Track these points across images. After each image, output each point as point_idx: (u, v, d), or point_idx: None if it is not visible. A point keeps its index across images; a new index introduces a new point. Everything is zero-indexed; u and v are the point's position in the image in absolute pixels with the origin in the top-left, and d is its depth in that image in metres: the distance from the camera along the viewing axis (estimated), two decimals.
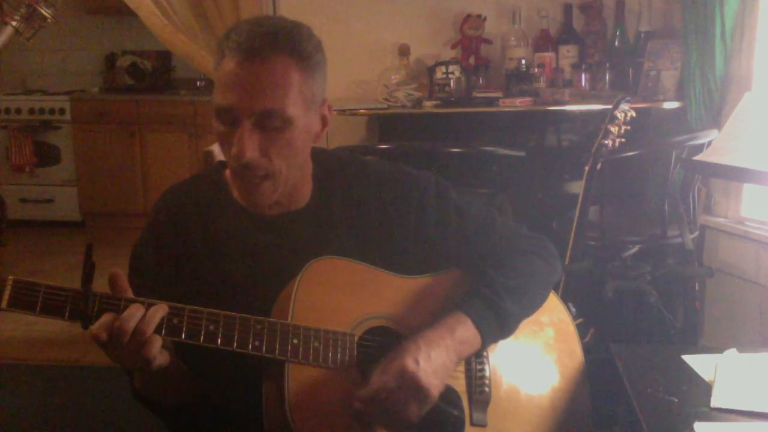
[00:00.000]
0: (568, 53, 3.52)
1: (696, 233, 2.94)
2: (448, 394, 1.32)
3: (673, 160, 2.70)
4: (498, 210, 1.66)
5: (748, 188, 2.98)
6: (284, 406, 1.21)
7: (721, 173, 2.38)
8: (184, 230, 1.39)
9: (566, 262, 2.52)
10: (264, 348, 1.23)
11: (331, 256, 1.34)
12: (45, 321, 1.19)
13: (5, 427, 2.94)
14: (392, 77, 3.52)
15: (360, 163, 1.50)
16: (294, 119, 1.28)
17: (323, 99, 1.36)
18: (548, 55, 3.52)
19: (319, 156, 1.44)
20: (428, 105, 3.33)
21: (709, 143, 2.55)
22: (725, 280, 3.00)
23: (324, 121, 1.38)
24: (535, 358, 1.43)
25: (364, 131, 3.69)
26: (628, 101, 2.58)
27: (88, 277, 1.16)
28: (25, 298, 1.15)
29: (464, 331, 1.30)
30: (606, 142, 2.53)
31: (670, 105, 3.24)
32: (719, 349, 1.46)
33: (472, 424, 1.32)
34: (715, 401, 1.31)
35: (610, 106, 2.58)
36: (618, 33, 3.51)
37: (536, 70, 3.43)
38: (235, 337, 1.22)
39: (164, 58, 5.68)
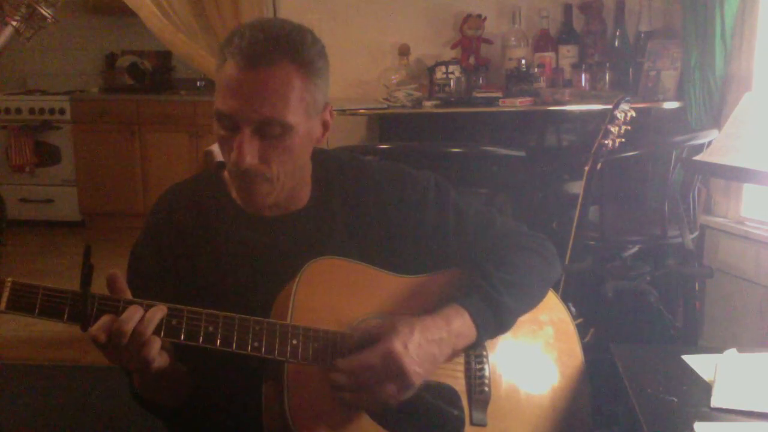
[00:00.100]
0: (568, 53, 3.52)
1: (696, 233, 2.94)
2: (448, 394, 1.32)
3: (673, 160, 2.70)
4: (498, 210, 1.66)
5: (748, 188, 2.98)
6: (284, 407, 1.21)
7: (721, 173, 2.39)
8: (183, 231, 1.39)
9: (566, 262, 2.51)
10: (263, 349, 1.23)
11: (330, 256, 1.34)
12: (45, 321, 1.18)
13: (5, 427, 2.94)
14: (392, 77, 3.52)
15: (359, 163, 1.50)
16: (294, 126, 1.28)
17: (325, 104, 1.36)
18: (548, 55, 3.52)
19: (318, 156, 1.44)
20: (428, 105, 3.33)
21: (709, 143, 2.55)
22: (725, 280, 3.00)
23: (325, 126, 1.37)
24: (534, 357, 1.43)
25: (364, 131, 3.69)
26: (628, 101, 2.57)
27: (86, 279, 1.16)
28: (23, 300, 1.15)
29: (460, 324, 1.30)
30: (606, 142, 2.53)
31: (670, 105, 3.24)
32: (719, 349, 1.46)
33: (472, 423, 1.32)
34: (715, 401, 1.31)
35: (610, 106, 2.58)
36: (618, 33, 3.51)
37: (536, 70, 3.43)
38: (234, 338, 1.22)
39: (164, 58, 5.68)
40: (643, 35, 3.46)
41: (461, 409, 1.32)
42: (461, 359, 1.36)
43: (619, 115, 2.53)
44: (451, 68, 3.44)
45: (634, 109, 2.58)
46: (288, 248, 1.38)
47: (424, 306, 1.36)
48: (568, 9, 3.56)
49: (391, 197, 1.45)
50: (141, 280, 1.35)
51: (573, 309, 2.20)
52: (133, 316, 1.16)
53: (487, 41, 3.59)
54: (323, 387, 1.24)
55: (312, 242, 1.39)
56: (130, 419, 2.78)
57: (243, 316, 1.23)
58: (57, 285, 1.17)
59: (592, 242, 2.71)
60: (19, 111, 5.45)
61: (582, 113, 3.36)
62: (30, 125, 5.43)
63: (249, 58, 1.23)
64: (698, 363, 1.44)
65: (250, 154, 1.26)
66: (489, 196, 2.79)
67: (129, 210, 5.42)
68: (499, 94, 3.30)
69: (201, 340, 1.21)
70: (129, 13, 3.76)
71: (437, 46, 3.67)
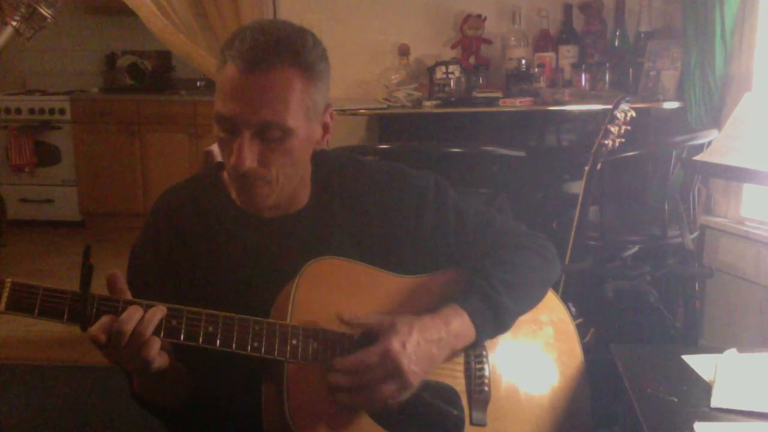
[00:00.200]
0: (568, 53, 3.52)
1: (696, 233, 2.94)
2: (448, 394, 1.32)
3: (673, 160, 2.70)
4: (498, 210, 1.66)
5: (748, 188, 2.98)
6: (283, 407, 1.21)
7: (721, 173, 2.39)
8: (182, 231, 1.39)
9: (566, 262, 2.51)
10: (263, 349, 1.23)
11: (329, 256, 1.34)
12: (44, 322, 1.18)
13: (5, 427, 2.94)
14: (392, 77, 3.52)
15: (359, 163, 1.50)
16: (294, 130, 1.28)
17: (325, 106, 1.35)
18: (548, 55, 3.52)
19: (318, 157, 1.44)
20: (428, 105, 3.33)
21: (709, 143, 2.55)
22: (725, 280, 3.00)
23: (325, 128, 1.37)
24: (534, 357, 1.43)
25: (364, 131, 3.69)
26: (628, 101, 2.57)
27: (86, 279, 1.16)
28: (23, 301, 1.15)
29: (459, 325, 1.30)
30: (606, 142, 2.53)
31: (670, 105, 3.24)
32: (719, 349, 1.46)
33: (472, 423, 1.32)
34: (715, 401, 1.31)
35: (610, 106, 2.58)
36: (618, 33, 3.51)
37: (536, 70, 3.43)
38: (234, 338, 1.22)
39: (164, 58, 5.68)
40: (643, 35, 3.46)
41: (461, 408, 1.32)
42: (461, 359, 1.36)
43: (619, 115, 2.53)
44: (451, 68, 3.44)
45: (634, 109, 2.57)
46: (288, 249, 1.38)
47: (424, 306, 1.36)
48: (568, 9, 3.56)
49: (391, 197, 1.45)
50: (140, 280, 1.35)
51: (573, 309, 2.20)
52: (132, 316, 1.16)
53: (487, 41, 3.59)
54: (323, 387, 1.24)
55: (312, 243, 1.39)
56: (130, 419, 2.78)
57: (243, 316, 1.23)
58: (57, 285, 1.17)
59: (592, 242, 2.71)
60: (19, 111, 5.45)
61: (582, 113, 3.36)
62: (30, 125, 5.43)
63: (249, 62, 1.23)
64: (698, 363, 1.44)
65: (250, 157, 1.26)
66: (489, 196, 2.78)
67: (129, 210, 5.42)
68: (499, 94, 3.30)
69: (201, 341, 1.21)
70: (129, 13, 3.76)
71: (437, 46, 3.67)
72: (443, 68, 3.45)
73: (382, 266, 1.38)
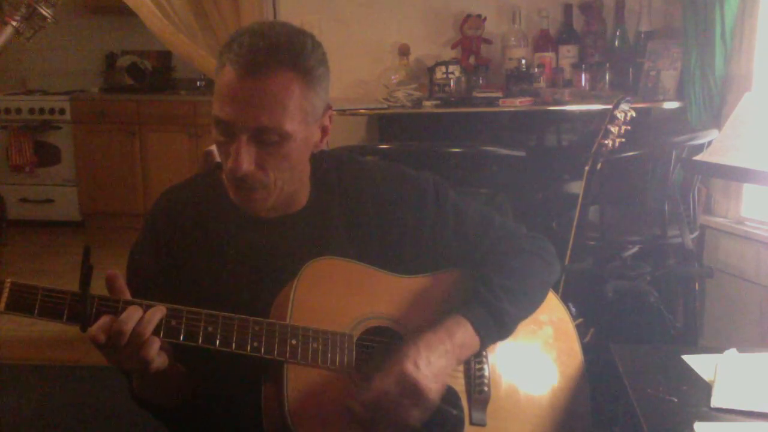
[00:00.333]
0: (568, 53, 3.52)
1: (696, 233, 2.94)
2: (448, 394, 1.32)
3: (673, 160, 2.70)
4: (498, 210, 1.66)
5: (748, 188, 2.98)
6: (283, 407, 1.21)
7: (721, 173, 2.38)
8: (181, 232, 1.39)
9: (566, 262, 2.51)
10: (263, 349, 1.23)
11: (329, 256, 1.34)
12: (44, 322, 1.18)
13: (5, 427, 2.94)
14: (392, 77, 3.52)
15: (358, 163, 1.50)
16: (292, 134, 1.27)
17: (325, 109, 1.35)
18: (548, 55, 3.52)
19: (317, 157, 1.44)
20: (428, 105, 3.32)
21: (709, 143, 2.55)
22: (725, 280, 3.00)
23: (324, 131, 1.37)
24: (534, 357, 1.43)
25: (364, 131, 3.69)
26: (628, 101, 2.57)
27: (86, 279, 1.16)
28: (23, 301, 1.15)
29: (463, 335, 1.30)
30: (606, 142, 2.53)
31: (670, 105, 3.24)
32: (719, 349, 1.46)
33: (472, 423, 1.32)
34: (715, 401, 1.31)
35: (610, 106, 2.58)
36: (618, 33, 3.50)
37: (536, 70, 3.43)
38: (234, 339, 1.22)
39: (164, 58, 5.68)
40: (643, 35, 3.46)
41: (461, 408, 1.32)
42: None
43: (619, 115, 2.53)
44: (451, 68, 3.44)
45: (634, 109, 2.57)
46: (287, 249, 1.38)
47: (424, 306, 1.36)
48: (568, 9, 3.56)
49: (390, 198, 1.45)
50: (140, 281, 1.35)
51: (573, 309, 2.20)
52: (132, 316, 1.16)
53: (487, 41, 3.59)
54: (323, 388, 1.24)
55: (311, 243, 1.39)
56: (130, 419, 2.78)
57: (242, 316, 1.23)
58: (57, 285, 1.18)
59: (592, 242, 2.71)
60: (19, 111, 5.45)
61: (582, 113, 3.36)
62: (30, 125, 5.43)
63: (247, 66, 1.23)
64: (698, 363, 1.44)
65: (247, 161, 1.26)
66: (489, 196, 2.78)
67: (129, 210, 5.42)
68: (499, 94, 3.30)
69: (200, 341, 1.21)
70: (129, 13, 3.76)
71: (437, 46, 3.67)
72: (443, 68, 3.45)
73: (381, 266, 1.38)
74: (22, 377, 3.34)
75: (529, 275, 1.43)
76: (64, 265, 4.66)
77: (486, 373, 1.35)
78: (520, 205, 3.20)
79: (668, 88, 3.27)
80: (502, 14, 3.62)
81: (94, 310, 1.17)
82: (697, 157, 2.42)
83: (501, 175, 2.96)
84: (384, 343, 1.32)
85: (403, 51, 3.59)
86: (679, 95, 3.22)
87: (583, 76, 3.42)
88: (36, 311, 1.15)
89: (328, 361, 1.26)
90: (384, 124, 3.56)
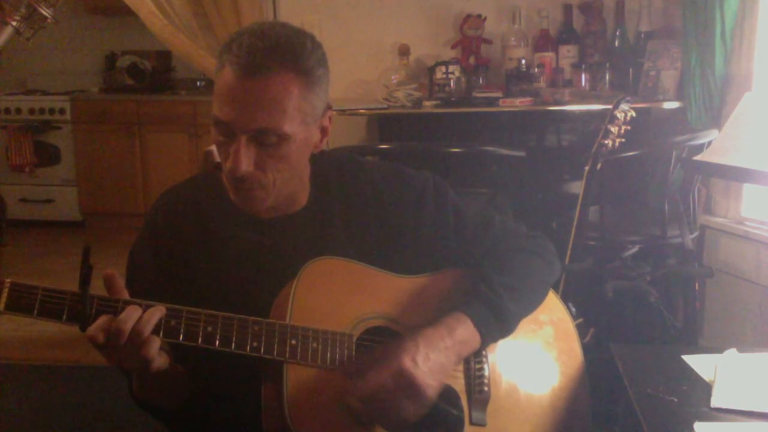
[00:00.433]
0: (568, 53, 3.52)
1: (696, 233, 2.94)
2: (447, 394, 1.32)
3: (673, 160, 2.70)
4: (498, 210, 1.66)
5: (748, 188, 2.98)
6: (283, 407, 1.20)
7: (721, 173, 2.38)
8: (181, 232, 1.39)
9: (566, 262, 2.51)
10: (262, 349, 1.23)
11: (329, 256, 1.34)
12: (44, 321, 1.18)
13: (5, 427, 2.94)
14: (392, 77, 3.52)
15: (357, 163, 1.50)
16: (291, 135, 1.27)
17: (324, 109, 1.35)
18: (548, 55, 3.52)
19: (317, 157, 1.44)
20: (428, 105, 3.33)
21: (709, 143, 2.55)
22: (725, 280, 3.00)
23: (324, 131, 1.37)
24: (534, 356, 1.43)
25: (364, 131, 3.69)
26: (628, 101, 2.57)
27: (85, 279, 1.16)
28: (22, 302, 1.15)
29: (464, 332, 1.30)
30: (606, 142, 2.53)
31: (670, 105, 3.24)
32: (719, 349, 1.46)
33: (471, 423, 1.32)
34: (715, 401, 1.31)
35: (610, 106, 2.58)
36: (618, 33, 3.50)
37: (536, 70, 3.43)
38: (234, 339, 1.22)
39: (164, 58, 5.68)
40: (643, 35, 3.46)
41: (460, 408, 1.32)
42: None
43: (619, 115, 2.53)
44: (451, 68, 3.44)
45: (634, 109, 2.57)
46: (287, 249, 1.38)
47: (424, 306, 1.36)
48: (568, 9, 3.56)
49: (390, 197, 1.45)
50: (139, 281, 1.35)
51: (573, 309, 2.20)
52: (131, 315, 1.16)
53: (487, 41, 3.59)
54: (322, 388, 1.24)
55: (311, 243, 1.39)
56: (130, 419, 2.78)
57: (242, 316, 1.23)
58: (57, 285, 1.18)
59: (592, 242, 2.71)
60: (19, 111, 5.45)
61: (582, 113, 3.36)
62: (30, 125, 5.43)
63: (247, 67, 1.23)
64: (698, 363, 1.44)
65: (246, 162, 1.26)
66: (489, 196, 2.78)
67: (129, 210, 5.42)
68: (499, 94, 3.30)
69: (200, 341, 1.21)
70: (129, 13, 3.76)
71: (437, 46, 3.67)
72: (443, 68, 3.45)
73: (381, 266, 1.38)
74: (22, 377, 3.34)
75: (530, 274, 1.43)
76: (64, 265, 4.65)
77: (486, 373, 1.35)
78: (520, 205, 3.21)
79: (668, 88, 3.27)
80: (502, 14, 3.62)
81: (93, 310, 1.17)
82: (697, 157, 2.42)
83: (501, 175, 2.96)
84: (383, 344, 1.32)
85: (403, 51, 3.59)
86: (679, 95, 3.22)
87: (583, 76, 3.42)
88: (35, 311, 1.15)
89: (328, 361, 1.26)
90: (384, 124, 3.56)
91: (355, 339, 1.30)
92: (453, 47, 3.62)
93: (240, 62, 1.23)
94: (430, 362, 1.24)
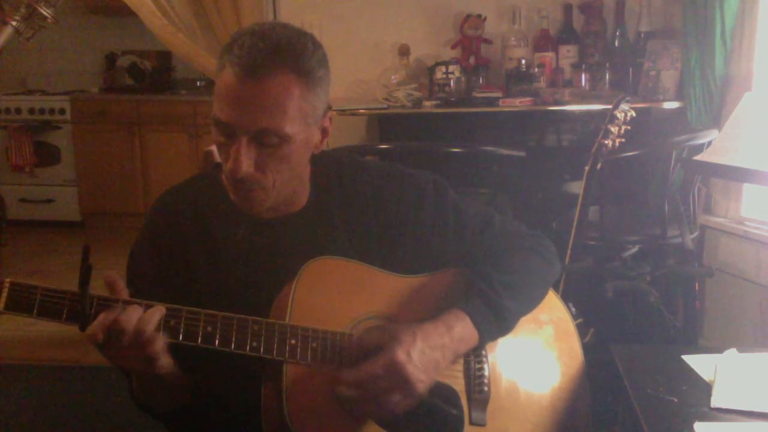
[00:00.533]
0: (568, 53, 3.52)
1: (696, 233, 2.94)
2: (447, 394, 1.32)
3: (673, 160, 2.70)
4: (498, 210, 1.65)
5: (748, 188, 2.98)
6: (282, 407, 1.20)
7: (721, 173, 2.38)
8: (181, 232, 1.39)
9: (566, 262, 2.51)
10: (262, 349, 1.23)
11: (329, 256, 1.34)
12: (44, 321, 1.18)
13: (5, 427, 2.94)
14: (392, 77, 3.52)
15: (357, 163, 1.50)
16: (292, 136, 1.27)
17: (325, 110, 1.35)
18: (548, 55, 3.52)
19: (317, 158, 1.43)
20: (428, 105, 3.33)
21: (709, 143, 2.55)
22: (725, 280, 3.00)
23: (324, 132, 1.37)
24: (534, 356, 1.43)
25: (364, 131, 3.69)
26: (628, 101, 2.57)
27: (85, 279, 1.16)
28: (22, 301, 1.15)
29: (462, 329, 1.30)
30: (606, 142, 2.53)
31: (670, 105, 3.24)
32: (719, 349, 1.46)
33: (471, 423, 1.32)
34: (715, 401, 1.31)
35: (610, 106, 2.58)
36: (618, 33, 3.51)
37: (536, 70, 3.43)
38: (233, 338, 1.22)
39: (164, 58, 5.68)
40: (643, 35, 3.46)
41: (460, 408, 1.32)
42: (460, 359, 1.36)
43: (619, 115, 2.53)
44: (451, 68, 3.44)
45: (634, 109, 2.57)
46: (287, 249, 1.38)
47: (424, 306, 1.36)
48: (568, 9, 3.56)
49: (390, 197, 1.45)
50: (139, 282, 1.35)
51: (573, 309, 2.20)
52: (132, 314, 1.16)
53: (487, 41, 3.59)
54: (322, 388, 1.24)
55: (311, 243, 1.39)
56: (130, 419, 2.78)
57: (242, 316, 1.23)
58: (57, 285, 1.17)
59: (592, 242, 2.71)
60: (19, 111, 5.45)
61: (582, 113, 3.36)
62: (30, 125, 5.43)
63: (247, 68, 1.23)
64: (698, 363, 1.44)
65: (247, 162, 1.26)
66: (489, 196, 2.78)
67: (129, 210, 5.42)
68: (499, 94, 3.30)
69: (200, 340, 1.21)
70: (129, 13, 3.76)
71: (437, 46, 3.67)
72: (443, 68, 3.45)
73: (381, 266, 1.38)
74: (22, 377, 3.34)
75: (529, 272, 1.43)
76: (64, 265, 4.65)
77: (486, 373, 1.35)
78: (520, 205, 3.22)
79: (668, 88, 3.27)
80: (502, 14, 3.62)
81: (93, 309, 1.17)
82: (697, 157, 2.42)
83: (501, 175, 2.95)
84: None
85: (403, 51, 3.59)
86: (679, 95, 3.22)
87: (583, 76, 3.42)
88: (35, 311, 1.15)
89: (328, 362, 1.26)
90: (384, 124, 3.56)
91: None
92: (453, 47, 3.62)
93: (241, 63, 1.23)
94: (424, 358, 1.24)
